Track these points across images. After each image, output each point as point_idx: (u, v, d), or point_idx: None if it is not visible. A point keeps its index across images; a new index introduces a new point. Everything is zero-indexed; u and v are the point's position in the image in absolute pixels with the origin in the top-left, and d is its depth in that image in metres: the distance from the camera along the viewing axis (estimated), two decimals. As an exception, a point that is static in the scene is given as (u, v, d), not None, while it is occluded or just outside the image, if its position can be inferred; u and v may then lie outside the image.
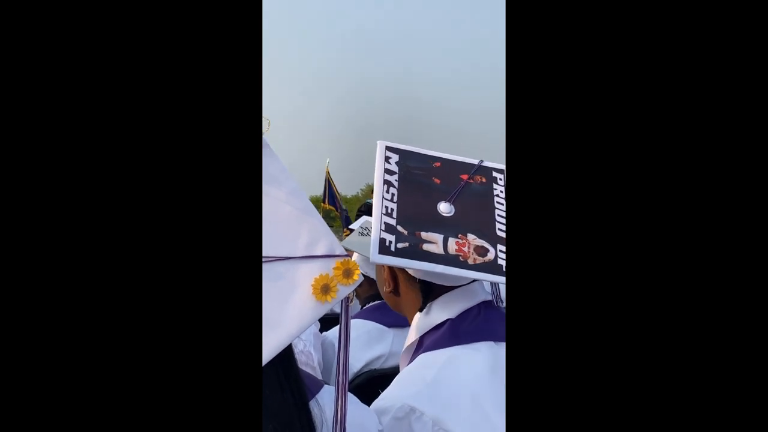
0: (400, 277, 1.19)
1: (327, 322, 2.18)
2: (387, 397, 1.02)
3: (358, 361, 1.83)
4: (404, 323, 1.98)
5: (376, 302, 1.98)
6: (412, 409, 0.97)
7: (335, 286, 0.74)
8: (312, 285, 0.73)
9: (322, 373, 1.84)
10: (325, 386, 0.87)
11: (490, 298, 1.18)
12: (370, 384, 1.73)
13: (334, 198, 7.95)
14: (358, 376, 1.81)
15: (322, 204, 7.87)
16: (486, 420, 0.96)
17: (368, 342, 1.87)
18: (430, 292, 1.15)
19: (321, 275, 0.74)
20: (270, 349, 0.71)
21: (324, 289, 0.73)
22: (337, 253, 0.75)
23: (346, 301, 0.76)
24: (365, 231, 1.94)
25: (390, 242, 1.04)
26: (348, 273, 0.74)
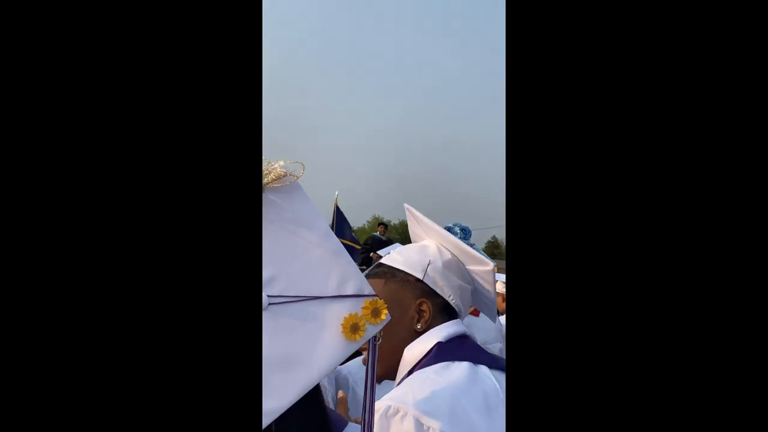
0: None
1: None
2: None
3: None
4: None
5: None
6: (396, 409, 1.00)
7: (364, 325, 0.76)
8: (342, 324, 0.76)
9: (335, 407, 1.83)
10: (350, 423, 0.89)
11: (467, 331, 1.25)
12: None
13: (343, 230, 7.99)
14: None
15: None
16: (466, 415, 1.01)
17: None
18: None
19: (350, 314, 0.76)
20: (301, 386, 0.73)
21: (353, 328, 0.76)
22: (366, 292, 0.78)
23: (374, 340, 0.79)
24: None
25: None
26: (376, 312, 0.77)
